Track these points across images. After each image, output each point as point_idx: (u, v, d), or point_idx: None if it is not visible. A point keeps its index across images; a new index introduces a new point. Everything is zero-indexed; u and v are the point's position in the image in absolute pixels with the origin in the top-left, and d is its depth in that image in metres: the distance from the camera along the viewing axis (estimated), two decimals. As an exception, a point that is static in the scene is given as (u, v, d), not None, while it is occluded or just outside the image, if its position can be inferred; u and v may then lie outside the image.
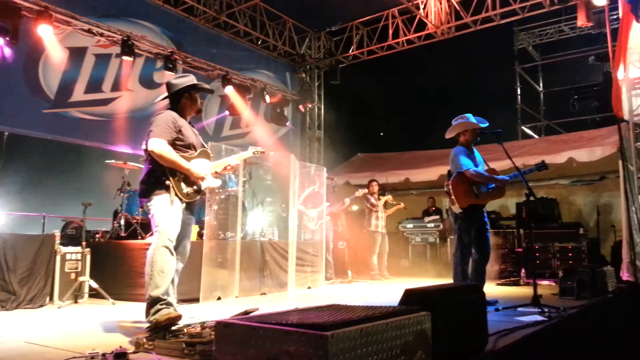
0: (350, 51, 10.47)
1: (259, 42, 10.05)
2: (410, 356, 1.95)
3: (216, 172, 3.70)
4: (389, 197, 8.64)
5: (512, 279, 7.41)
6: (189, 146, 3.47)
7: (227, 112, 9.34)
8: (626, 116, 7.77)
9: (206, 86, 3.81)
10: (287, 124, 10.47)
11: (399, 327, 1.92)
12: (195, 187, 3.46)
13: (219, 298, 5.16)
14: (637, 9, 7.87)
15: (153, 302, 3.15)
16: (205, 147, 3.65)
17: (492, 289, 6.22)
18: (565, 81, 12.50)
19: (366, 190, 8.01)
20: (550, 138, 10.09)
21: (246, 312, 3.20)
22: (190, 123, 3.62)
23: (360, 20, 10.20)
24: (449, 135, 5.01)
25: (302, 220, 6.88)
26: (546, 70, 13.35)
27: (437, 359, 2.12)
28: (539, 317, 3.81)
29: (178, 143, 3.39)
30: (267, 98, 9.78)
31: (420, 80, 11.49)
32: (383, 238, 8.39)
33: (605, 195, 9.25)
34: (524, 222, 8.32)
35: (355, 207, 9.73)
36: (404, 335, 1.93)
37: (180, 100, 3.53)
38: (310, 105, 10.68)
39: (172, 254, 3.26)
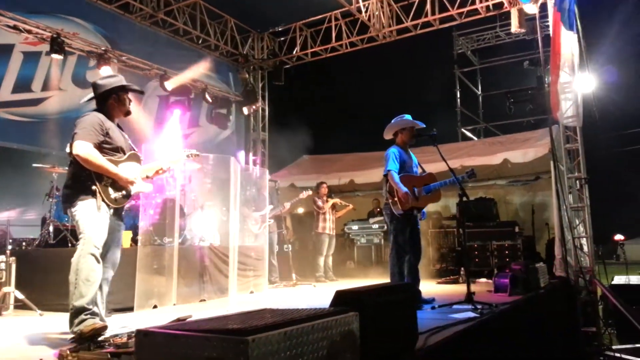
0: (294, 52, 10.47)
1: (200, 41, 9.82)
2: (337, 357, 1.94)
3: (147, 177, 3.58)
4: (337, 200, 8.65)
5: (451, 277, 7.62)
6: (117, 149, 3.35)
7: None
8: (560, 119, 8.23)
9: (135, 88, 3.63)
10: (229, 125, 10.30)
11: (325, 329, 1.90)
12: (123, 192, 3.33)
13: (155, 306, 4.97)
14: (566, 18, 8.36)
15: (77, 312, 3.02)
16: (134, 150, 3.52)
17: (431, 288, 6.37)
18: (502, 85, 13.08)
19: (310, 192, 7.99)
20: (487, 140, 10.52)
21: (179, 320, 3.12)
22: (118, 126, 3.50)
23: (304, 21, 10.21)
24: (386, 135, 5.06)
25: (245, 223, 6.77)
26: (484, 74, 13.94)
27: (365, 358, 2.12)
28: (471, 314, 3.90)
29: (105, 146, 3.26)
30: (209, 99, 9.58)
31: (364, 83, 11.67)
32: (330, 240, 8.38)
33: (540, 194, 9.71)
34: (461, 221, 8.60)
35: (300, 210, 9.72)
36: (330, 337, 1.92)
37: (107, 101, 3.40)
38: (254, 107, 10.56)
39: (98, 261, 3.13)
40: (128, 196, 3.37)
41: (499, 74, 13.30)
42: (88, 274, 3.07)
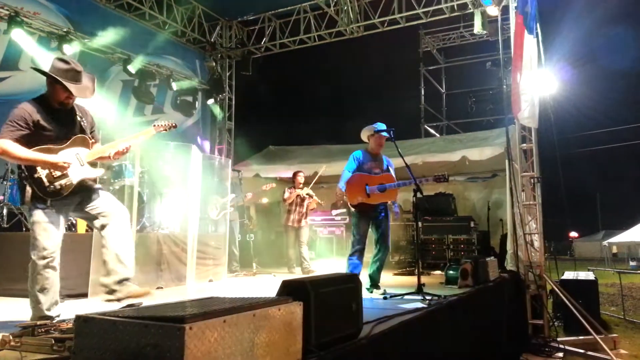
0: (263, 43, 10.44)
1: (166, 27, 9.65)
2: (278, 345, 2.01)
3: (101, 158, 3.36)
4: (309, 191, 8.36)
5: (408, 269, 7.84)
6: (57, 137, 3.17)
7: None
8: (519, 119, 8.54)
9: (67, 85, 3.15)
10: (195, 113, 10.21)
11: (267, 317, 1.96)
12: (65, 180, 3.14)
13: (109, 293, 4.94)
14: (528, 22, 8.65)
15: (40, 319, 2.98)
16: (85, 134, 3.33)
17: (388, 279, 6.54)
18: (465, 84, 13.44)
19: (273, 185, 8.04)
20: (448, 137, 10.81)
21: (129, 306, 3.13)
22: (72, 110, 3.30)
23: (273, 12, 10.19)
24: (362, 138, 5.47)
25: (205, 212, 6.76)
26: (449, 72, 14.23)
27: (308, 346, 2.20)
28: (420, 304, 4.07)
29: (45, 134, 3.11)
30: (174, 85, 9.46)
31: (331, 76, 11.75)
32: (297, 232, 8.11)
33: (496, 191, 10.06)
34: (420, 215, 8.84)
35: (265, 200, 9.76)
36: (272, 325, 1.97)
37: (48, 86, 3.23)
38: (221, 96, 10.49)
39: (48, 266, 3.07)
40: (73, 182, 3.19)
41: (463, 73, 13.65)
42: (42, 283, 3.04)
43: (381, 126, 5.25)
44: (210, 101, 10.44)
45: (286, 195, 8.14)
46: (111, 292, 3.29)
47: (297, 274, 7.79)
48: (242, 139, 10.78)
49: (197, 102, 10.30)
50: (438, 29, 12.77)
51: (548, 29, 9.41)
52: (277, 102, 12.10)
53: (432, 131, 13.39)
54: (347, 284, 2.71)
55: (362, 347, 2.67)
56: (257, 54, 10.72)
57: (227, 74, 10.99)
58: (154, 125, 3.64)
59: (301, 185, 8.21)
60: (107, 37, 8.37)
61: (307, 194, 8.11)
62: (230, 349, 1.74)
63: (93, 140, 3.41)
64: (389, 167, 5.34)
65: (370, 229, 5.20)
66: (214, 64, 10.49)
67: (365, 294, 4.60)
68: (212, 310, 1.78)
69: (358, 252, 5.11)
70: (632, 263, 26.90)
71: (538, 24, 8.69)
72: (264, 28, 10.39)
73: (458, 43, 13.34)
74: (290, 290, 2.35)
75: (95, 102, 5.73)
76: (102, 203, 3.35)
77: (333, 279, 2.67)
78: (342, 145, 10.26)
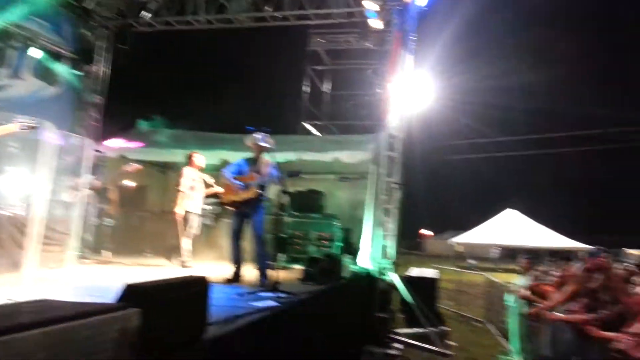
0: (146, 17, 9.82)
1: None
2: (111, 355, 1.96)
3: None
4: (207, 177, 7.72)
5: (269, 262, 8.00)
6: None
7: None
8: (389, 128, 9.19)
9: None
10: (59, 83, 9.27)
11: (98, 326, 1.88)
12: None
13: None
14: (405, 39, 9.34)
15: None
16: None
17: (249, 273, 6.59)
18: (347, 87, 14.02)
19: (139, 167, 7.64)
20: (325, 137, 11.23)
21: None
22: None
23: (160, -14, 9.65)
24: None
25: (55, 194, 6.22)
26: (333, 74, 14.72)
27: (146, 354, 2.17)
28: (272, 303, 4.19)
29: None
30: (35, 50, 8.50)
31: (215, 63, 11.49)
32: (191, 220, 7.32)
33: (361, 193, 10.67)
34: (287, 210, 9.08)
35: (130, 183, 9.25)
36: (103, 335, 1.90)
37: None
38: (91, 68, 9.65)
39: None
40: None
41: (346, 76, 14.21)
42: None
43: (262, 139, 5.81)
44: (75, 72, 9.54)
45: (181, 179, 7.36)
46: None
47: (190, 268, 7.10)
48: (111, 117, 10.04)
49: (62, 72, 9.32)
50: (327, 30, 13.13)
51: (423, 45, 10.21)
52: (153, 82, 11.47)
53: (312, 129, 13.77)
54: (194, 287, 2.74)
55: (204, 350, 2.72)
56: (138, 28, 10.05)
57: (104, 45, 10.11)
58: (17, 122, 3.36)
59: (198, 168, 7.51)
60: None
61: (203, 179, 7.49)
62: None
63: None
64: (271, 171, 5.74)
65: (245, 224, 5.81)
66: (88, 32, 9.58)
67: (223, 290, 4.73)
68: (31, 320, 1.65)
69: (233, 244, 5.78)
70: (470, 261, 30.57)
71: (414, 42, 9.46)
72: (149, 3, 9.77)
73: (344, 47, 13.87)
74: (131, 295, 2.30)
75: None
76: None
77: (179, 283, 2.68)
78: (216, 132, 10.13)
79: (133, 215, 8.53)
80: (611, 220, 55.94)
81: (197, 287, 2.77)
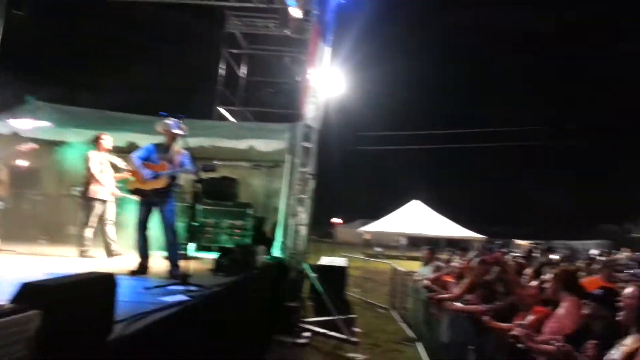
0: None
1: None
2: None
3: None
4: (116, 159, 7.17)
5: (180, 252, 7.75)
6: None
7: None
8: (305, 118, 9.22)
9: None
10: None
11: None
12: None
13: None
14: (324, 31, 9.39)
15: None
16: None
17: (159, 263, 6.30)
18: (264, 73, 13.84)
19: (35, 146, 6.96)
20: (240, 124, 11.04)
21: None
22: None
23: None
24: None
25: None
26: (250, 59, 14.43)
27: (46, 358, 2.04)
28: (182, 297, 4.01)
29: None
30: None
31: (124, 38, 10.75)
32: (103, 206, 6.86)
33: (276, 181, 10.65)
34: (199, 198, 8.83)
35: (24, 163, 8.42)
36: None
37: None
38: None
39: None
40: None
41: (264, 62, 14.01)
42: None
43: (175, 125, 5.46)
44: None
45: (89, 164, 6.81)
46: None
47: (93, 258, 6.63)
48: (3, 90, 8.99)
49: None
50: (245, 14, 12.81)
51: (341, 38, 10.34)
52: (53, 54, 10.48)
53: (226, 114, 13.43)
54: (99, 284, 2.58)
55: (110, 351, 2.58)
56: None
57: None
58: None
59: (106, 151, 7.03)
60: None
61: (112, 162, 7.02)
62: None
63: None
64: (183, 160, 5.56)
65: (152, 214, 5.58)
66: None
67: (129, 284, 4.49)
68: None
69: (139, 234, 5.55)
70: (377, 249, 32.03)
71: (332, 34, 9.56)
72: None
73: (263, 32, 13.63)
74: (29, 296, 2.13)
75: None
76: None
77: (82, 281, 2.50)
78: (121, 112, 9.54)
79: (25, 198, 7.79)
80: (503, 213, 61.68)
81: (103, 284, 2.62)
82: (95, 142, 6.96)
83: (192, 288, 4.40)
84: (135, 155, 5.56)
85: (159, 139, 5.74)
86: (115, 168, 7.02)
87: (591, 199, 59.04)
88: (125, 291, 3.65)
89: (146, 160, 5.53)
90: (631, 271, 4.09)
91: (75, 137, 8.58)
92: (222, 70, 13.44)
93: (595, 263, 6.56)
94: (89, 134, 8.62)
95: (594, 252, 17.62)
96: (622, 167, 59.54)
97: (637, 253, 17.46)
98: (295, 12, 9.92)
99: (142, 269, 5.44)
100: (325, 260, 11.64)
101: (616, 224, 54.23)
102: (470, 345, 4.23)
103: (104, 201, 6.83)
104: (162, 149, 5.62)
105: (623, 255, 17.24)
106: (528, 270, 4.64)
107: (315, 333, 7.64)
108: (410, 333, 8.34)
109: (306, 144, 9.64)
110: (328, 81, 9.99)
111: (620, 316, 2.65)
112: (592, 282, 3.82)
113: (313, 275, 8.85)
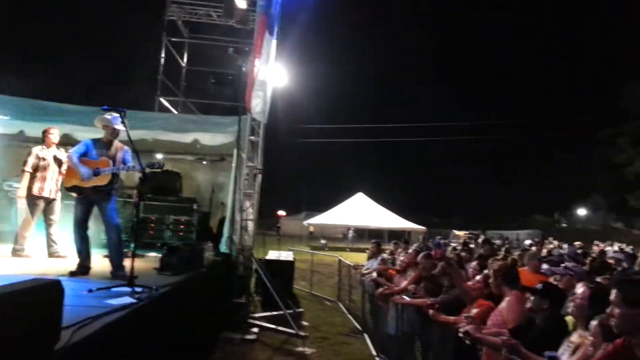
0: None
1: None
2: None
3: None
4: (63, 155, 6.69)
5: (124, 250, 7.46)
6: None
7: None
8: (252, 112, 9.08)
9: None
10: None
11: None
12: None
13: None
14: (270, 23, 9.27)
15: None
16: None
17: (100, 262, 6.01)
18: (207, 63, 13.48)
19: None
20: (183, 116, 10.72)
21: None
22: None
23: None
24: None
25: None
26: (192, 48, 14.01)
27: None
28: (129, 300, 3.87)
29: None
30: None
31: (60, 18, 10.08)
32: (47, 205, 6.56)
33: (222, 175, 10.45)
34: (142, 194, 8.50)
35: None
36: None
37: None
38: None
39: None
40: None
41: (207, 52, 13.65)
42: None
43: (116, 120, 5.21)
44: None
45: (29, 159, 6.45)
46: None
47: (28, 258, 6.23)
48: None
49: None
50: (186, 1, 12.41)
51: (288, 32, 10.27)
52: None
53: (168, 105, 12.98)
54: (46, 292, 2.44)
55: (57, 360, 2.47)
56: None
57: None
58: None
59: (54, 145, 6.69)
60: None
61: (59, 158, 6.63)
62: None
63: None
64: (125, 156, 5.39)
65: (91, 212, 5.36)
66: None
67: (70, 286, 4.25)
68: None
69: (77, 234, 5.30)
70: (322, 241, 32.39)
71: (278, 26, 9.47)
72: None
73: (205, 20, 13.25)
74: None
75: None
76: None
77: (27, 289, 2.35)
78: (64, 103, 8.98)
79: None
80: (441, 205, 64.19)
81: (49, 292, 2.48)
82: (43, 137, 6.64)
83: (138, 289, 4.24)
84: (72, 151, 5.30)
85: (98, 132, 5.51)
86: (61, 164, 6.62)
87: (524, 190, 62.71)
88: (67, 294, 3.45)
89: (84, 156, 5.27)
90: (569, 264, 4.39)
91: (3, 128, 8.00)
92: (163, 60, 12.96)
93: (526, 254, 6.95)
94: (19, 124, 8.10)
95: (527, 242, 18.82)
96: (554, 161, 63.63)
97: (565, 244, 18.72)
98: (239, 2, 9.75)
99: (83, 270, 5.19)
100: (272, 255, 11.61)
101: (547, 215, 58.19)
102: (417, 336, 4.38)
103: (47, 199, 6.53)
104: (102, 145, 5.37)
105: (551, 246, 18.50)
106: (473, 264, 4.87)
107: (263, 328, 7.63)
108: (357, 325, 8.51)
109: (253, 138, 9.54)
110: (274, 74, 9.89)
111: (571, 313, 2.85)
112: (521, 273, 4.03)
113: (261, 270, 8.81)
